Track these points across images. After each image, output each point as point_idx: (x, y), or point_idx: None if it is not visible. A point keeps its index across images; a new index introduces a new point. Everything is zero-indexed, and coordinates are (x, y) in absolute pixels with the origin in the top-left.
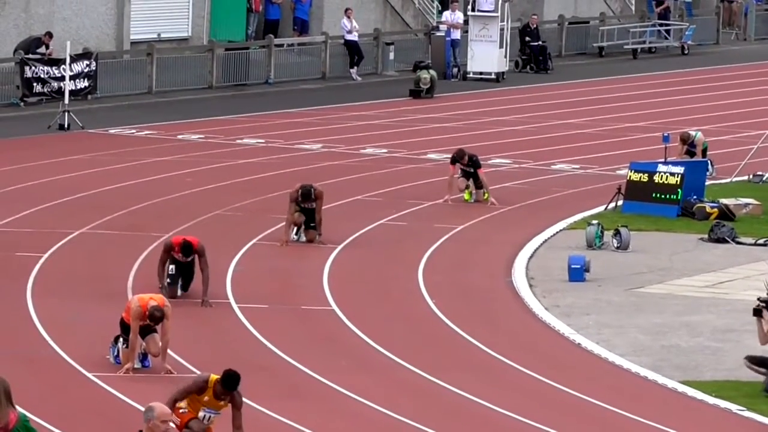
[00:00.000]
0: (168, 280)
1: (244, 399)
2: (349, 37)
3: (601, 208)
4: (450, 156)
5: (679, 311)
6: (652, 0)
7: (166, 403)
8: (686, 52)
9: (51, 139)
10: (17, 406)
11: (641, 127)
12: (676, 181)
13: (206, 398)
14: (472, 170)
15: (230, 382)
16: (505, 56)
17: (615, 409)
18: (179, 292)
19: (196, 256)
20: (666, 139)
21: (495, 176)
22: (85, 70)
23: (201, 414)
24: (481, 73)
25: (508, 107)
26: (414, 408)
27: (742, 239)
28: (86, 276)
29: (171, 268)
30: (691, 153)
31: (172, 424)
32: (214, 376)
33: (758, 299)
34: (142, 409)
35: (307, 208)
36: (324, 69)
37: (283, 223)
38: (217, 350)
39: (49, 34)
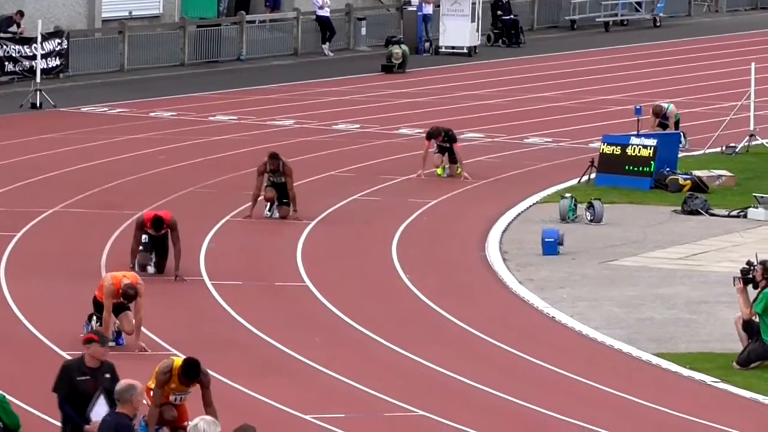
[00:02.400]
0: (140, 248)
1: (217, 375)
2: (320, 12)
3: (575, 181)
4: (426, 132)
5: (653, 283)
6: None
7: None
8: (658, 24)
9: (23, 118)
10: None
11: (613, 99)
12: (649, 153)
13: (173, 385)
14: (447, 145)
15: (190, 371)
16: (477, 30)
17: (590, 382)
18: (152, 270)
19: (169, 230)
20: (638, 111)
21: (468, 150)
22: (57, 49)
23: (171, 397)
24: (453, 48)
25: (480, 81)
26: (388, 382)
27: (716, 211)
28: (60, 254)
29: (144, 237)
30: (663, 125)
31: (144, 402)
32: (177, 361)
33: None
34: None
35: (277, 182)
36: (296, 45)
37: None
38: (190, 327)
39: (21, 13)
